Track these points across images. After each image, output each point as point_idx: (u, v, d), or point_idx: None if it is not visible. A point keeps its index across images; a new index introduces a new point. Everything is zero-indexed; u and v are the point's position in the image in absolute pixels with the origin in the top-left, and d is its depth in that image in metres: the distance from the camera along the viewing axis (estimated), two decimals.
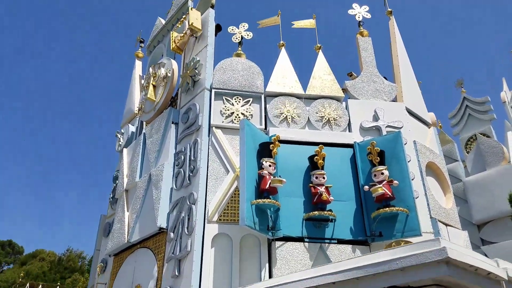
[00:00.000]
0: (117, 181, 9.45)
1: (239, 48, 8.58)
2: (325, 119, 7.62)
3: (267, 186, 6.30)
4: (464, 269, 2.69)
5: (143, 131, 8.99)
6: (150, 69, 9.56)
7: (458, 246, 2.71)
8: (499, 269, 3.07)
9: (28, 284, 24.14)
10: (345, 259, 3.14)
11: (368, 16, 9.37)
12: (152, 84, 9.10)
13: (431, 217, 7.01)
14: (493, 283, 3.01)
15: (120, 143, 10.08)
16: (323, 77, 8.16)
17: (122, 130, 10.40)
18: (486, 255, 10.46)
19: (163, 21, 10.66)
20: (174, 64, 8.85)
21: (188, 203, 6.82)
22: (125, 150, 9.52)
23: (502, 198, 10.84)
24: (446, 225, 7.36)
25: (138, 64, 11.72)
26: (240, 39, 8.68)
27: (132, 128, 10.09)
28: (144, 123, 9.44)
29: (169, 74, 8.76)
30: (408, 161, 6.98)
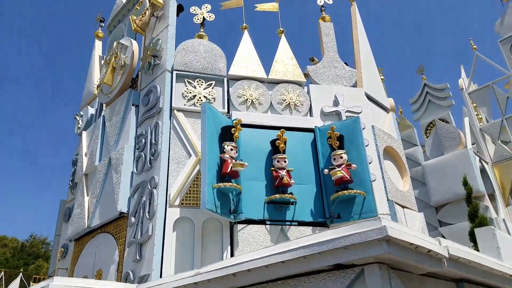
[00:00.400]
0: (76, 165, 9.19)
1: (201, 30, 8.40)
2: (287, 103, 7.67)
3: (229, 169, 6.31)
4: (404, 247, 2.80)
5: (102, 113, 8.73)
6: (114, 45, 9.15)
7: (399, 225, 2.82)
8: (440, 247, 3.21)
9: None
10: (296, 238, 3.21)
11: (330, 1, 9.41)
12: (112, 65, 8.78)
13: (388, 199, 7.26)
14: (434, 260, 3.16)
15: (79, 125, 9.77)
16: (285, 62, 8.17)
17: (81, 113, 10.06)
18: (443, 236, 11.02)
19: (124, 0, 10.28)
20: (135, 46, 8.55)
21: (149, 187, 6.74)
22: (84, 133, 9.24)
23: (458, 181, 11.36)
24: (403, 207, 7.65)
25: (98, 44, 11.29)
26: (202, 20, 8.47)
27: (91, 110, 9.78)
28: (104, 105, 9.16)
29: (127, 62, 8.43)
30: (366, 145, 7.18)
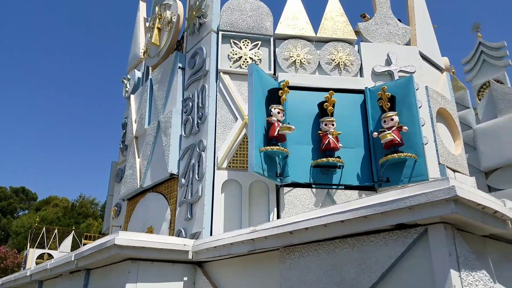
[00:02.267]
0: (126, 128, 9.52)
1: None
2: (336, 63, 7.42)
3: (276, 133, 6.28)
4: (471, 207, 2.71)
5: (150, 76, 8.87)
6: (156, 9, 9.19)
7: (466, 185, 2.72)
8: (506, 209, 3.10)
9: (44, 229, 25.26)
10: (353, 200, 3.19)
11: None
12: (157, 27, 8.82)
13: (439, 163, 7.03)
14: (499, 221, 3.05)
15: (127, 89, 10.01)
16: (335, 18, 7.82)
17: (128, 76, 10.28)
18: None
19: None
20: (180, 6, 8.50)
21: (198, 150, 6.89)
22: (132, 96, 9.48)
23: (511, 146, 10.80)
24: (454, 171, 7.39)
25: (142, 6, 11.28)
26: None
27: (138, 74, 9.96)
28: (150, 68, 9.30)
29: (173, 19, 8.44)
30: (419, 107, 6.87)
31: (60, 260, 5.45)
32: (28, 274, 6.66)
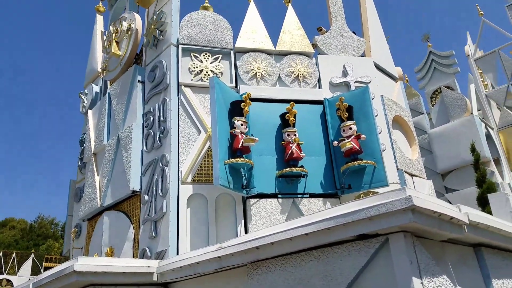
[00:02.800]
0: (84, 145, 9.19)
1: (206, 1, 8.17)
2: (295, 75, 7.57)
3: (240, 145, 6.30)
4: (428, 215, 2.83)
5: (108, 91, 8.63)
6: (111, 27, 9.03)
7: (423, 194, 2.84)
8: (461, 214, 3.25)
9: (1, 253, 23.76)
10: (317, 211, 3.24)
11: None
12: (114, 40, 8.62)
13: (397, 168, 7.31)
14: (456, 227, 3.20)
15: (84, 104, 9.69)
16: (293, 32, 8.01)
17: (86, 91, 9.95)
18: (450, 202, 11.16)
19: None
20: (138, 18, 8.37)
21: (161, 165, 6.75)
22: (90, 111, 9.18)
23: (464, 148, 11.45)
24: (412, 175, 7.70)
25: (100, 19, 11.02)
26: None
27: (96, 88, 9.67)
28: (109, 82, 9.05)
29: (132, 25, 8.24)
30: (376, 116, 7.14)
31: None
32: None
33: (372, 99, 7.19)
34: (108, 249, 7.29)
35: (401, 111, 8.28)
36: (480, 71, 14.48)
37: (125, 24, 8.48)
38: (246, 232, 6.29)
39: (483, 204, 8.65)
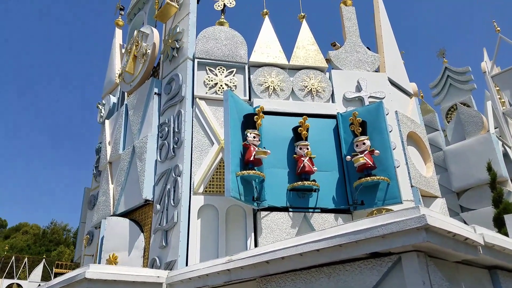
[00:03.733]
0: (100, 153, 9.34)
1: (222, 17, 8.33)
2: (309, 89, 7.60)
3: (252, 157, 6.33)
4: (442, 235, 2.78)
5: (125, 102, 8.81)
6: (135, 33, 9.19)
7: (437, 213, 2.80)
8: (476, 235, 3.19)
9: (13, 257, 24.04)
10: (328, 227, 3.22)
11: None
12: (134, 54, 8.82)
13: (412, 186, 7.21)
14: (471, 248, 3.13)
15: (102, 114, 9.89)
16: (307, 47, 8.07)
17: (104, 101, 10.18)
18: (465, 222, 10.93)
19: None
20: (156, 34, 8.57)
21: (174, 175, 6.82)
22: (107, 121, 9.36)
23: (480, 166, 11.21)
24: (426, 193, 7.58)
25: (118, 33, 11.33)
26: (222, 7, 8.39)
27: (113, 99, 9.88)
28: (126, 93, 9.24)
29: (148, 51, 8.44)
30: (390, 131, 7.09)
31: None
32: None
33: (386, 114, 7.15)
34: (111, 255, 7.21)
35: (416, 127, 8.21)
36: (497, 88, 14.27)
37: (144, 45, 8.61)
38: (256, 245, 6.27)
39: (500, 225, 8.45)
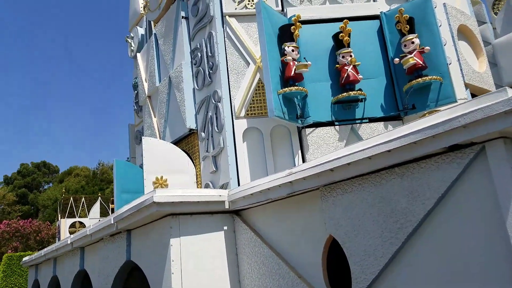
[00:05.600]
0: (137, 88, 9.31)
1: None
2: None
3: (292, 73, 6.02)
4: None
5: (153, 31, 8.48)
6: None
7: None
8: None
9: (71, 198, 25.95)
10: (397, 128, 3.01)
11: None
12: None
13: (465, 83, 6.74)
14: None
15: (132, 48, 9.67)
16: None
17: (132, 34, 9.88)
18: None
19: None
20: None
21: (214, 101, 6.69)
22: (138, 55, 9.16)
23: None
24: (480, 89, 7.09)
25: None
26: None
27: (141, 30, 9.56)
28: (152, 22, 8.87)
29: None
30: (439, 26, 6.47)
31: (99, 225, 5.53)
32: (69, 242, 6.84)
33: (435, 7, 6.47)
34: (158, 178, 7.03)
35: (466, 20, 7.46)
36: None
37: None
38: (304, 162, 6.22)
39: None
